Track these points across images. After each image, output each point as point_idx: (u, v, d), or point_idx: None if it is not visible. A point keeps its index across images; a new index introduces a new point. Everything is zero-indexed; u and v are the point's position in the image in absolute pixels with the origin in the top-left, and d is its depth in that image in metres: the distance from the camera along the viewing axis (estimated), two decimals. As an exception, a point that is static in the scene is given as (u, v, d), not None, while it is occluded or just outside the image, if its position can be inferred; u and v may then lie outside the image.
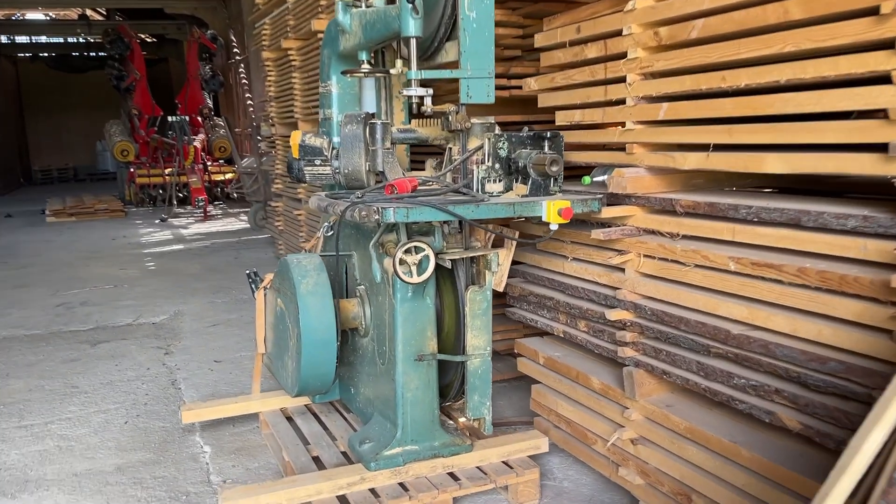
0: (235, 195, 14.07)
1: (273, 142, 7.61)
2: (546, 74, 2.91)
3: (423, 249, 2.47)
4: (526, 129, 2.60)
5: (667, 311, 2.33)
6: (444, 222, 2.62)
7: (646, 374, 2.50)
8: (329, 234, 3.27)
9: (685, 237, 2.33)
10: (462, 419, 2.90)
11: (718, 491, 2.20)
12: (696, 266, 2.24)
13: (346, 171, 2.80)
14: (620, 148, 2.55)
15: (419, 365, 2.69)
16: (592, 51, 2.61)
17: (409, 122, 3.21)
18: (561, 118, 2.83)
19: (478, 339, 2.74)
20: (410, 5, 2.43)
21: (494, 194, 2.54)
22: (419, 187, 2.53)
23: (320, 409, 3.39)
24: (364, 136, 2.77)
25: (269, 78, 7.31)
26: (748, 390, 2.08)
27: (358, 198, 2.46)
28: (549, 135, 2.49)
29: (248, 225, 10.99)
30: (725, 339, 2.12)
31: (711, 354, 2.19)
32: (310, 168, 2.84)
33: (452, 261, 2.69)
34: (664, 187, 2.49)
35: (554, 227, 2.36)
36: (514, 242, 2.70)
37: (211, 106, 15.91)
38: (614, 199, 2.54)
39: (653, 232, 2.45)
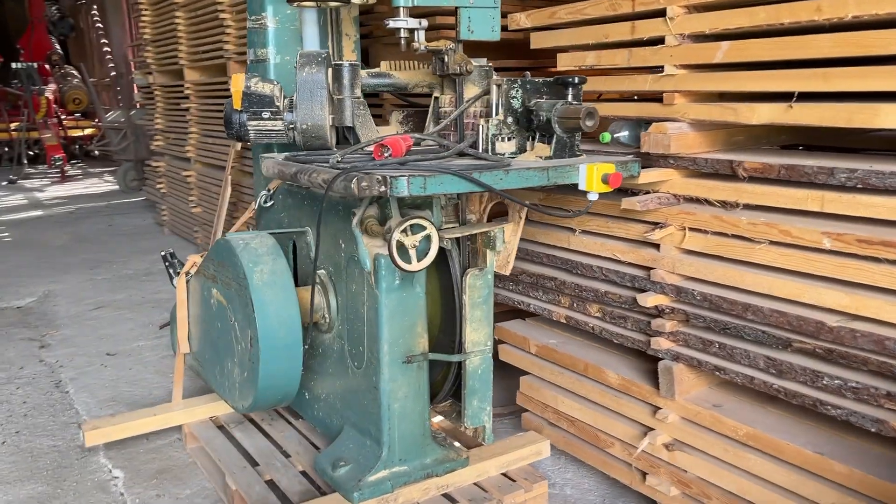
0: (97, 153, 12.66)
1: (151, 92, 6.65)
2: (543, 9, 2.40)
3: (424, 227, 1.93)
4: (528, 74, 2.10)
5: (725, 295, 1.93)
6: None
7: (686, 368, 2.11)
8: (268, 204, 2.65)
9: (747, 207, 1.92)
10: (447, 425, 2.40)
11: (792, 508, 1.85)
12: (772, 243, 1.84)
13: (305, 126, 2.19)
14: (653, 98, 2.10)
15: (408, 369, 2.17)
16: (615, -23, 2.12)
17: (361, 65, 2.63)
18: (566, 62, 2.34)
19: (477, 334, 2.25)
20: None
21: (507, 156, 2.03)
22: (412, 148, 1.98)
23: (260, 417, 2.80)
24: (326, 83, 2.17)
25: (143, 19, 6.33)
26: (845, 393, 1.72)
27: (339, 162, 1.88)
28: (575, 80, 2.00)
29: (118, 187, 9.82)
30: (815, 333, 1.75)
31: (791, 349, 1.82)
32: (255, 122, 2.21)
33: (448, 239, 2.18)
34: (708, 146, 2.07)
35: (593, 196, 1.89)
36: (523, 216, 2.22)
37: (60, 52, 14.17)
38: (646, 161, 2.10)
39: (698, 200, 2.03)
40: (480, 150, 2.01)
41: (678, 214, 2.05)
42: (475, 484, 2.33)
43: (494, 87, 2.03)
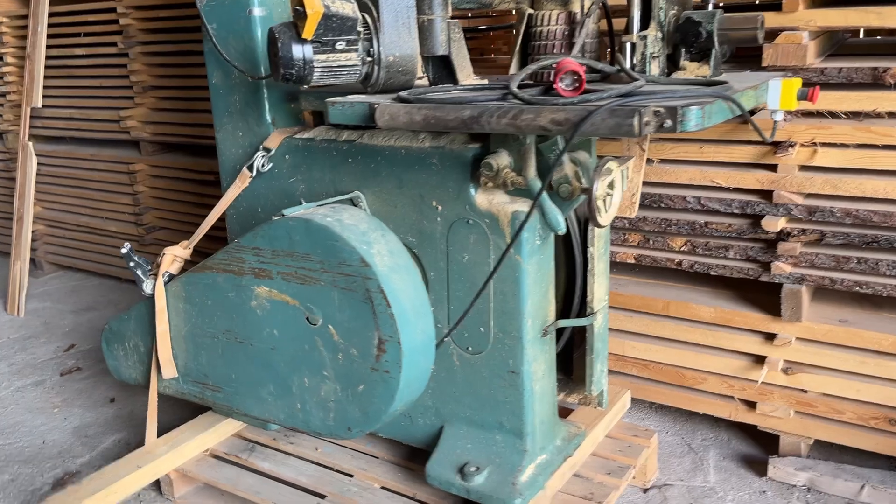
0: None
1: None
2: None
3: (612, 171, 1.58)
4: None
5: (874, 209, 1.89)
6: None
7: (806, 290, 2.05)
8: (266, 168, 2.03)
9: (891, 115, 1.87)
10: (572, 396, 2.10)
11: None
12: (931, 150, 1.82)
13: (391, 57, 1.67)
14: (765, 5, 1.94)
15: (543, 342, 1.83)
16: None
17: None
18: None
19: (602, 289, 1.96)
20: None
21: (660, 78, 1.73)
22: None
23: (272, 437, 2.23)
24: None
25: None
26: None
27: (520, 97, 1.43)
28: (718, -13, 1.75)
29: None
30: None
31: (957, 254, 1.83)
32: (324, 57, 1.62)
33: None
34: (817, 55, 1.97)
35: (779, 117, 1.69)
36: (646, 149, 1.94)
37: None
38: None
39: (822, 114, 1.94)
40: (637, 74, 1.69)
41: (806, 130, 1.94)
42: (594, 455, 2.09)
43: (636, -2, 1.71)
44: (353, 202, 1.91)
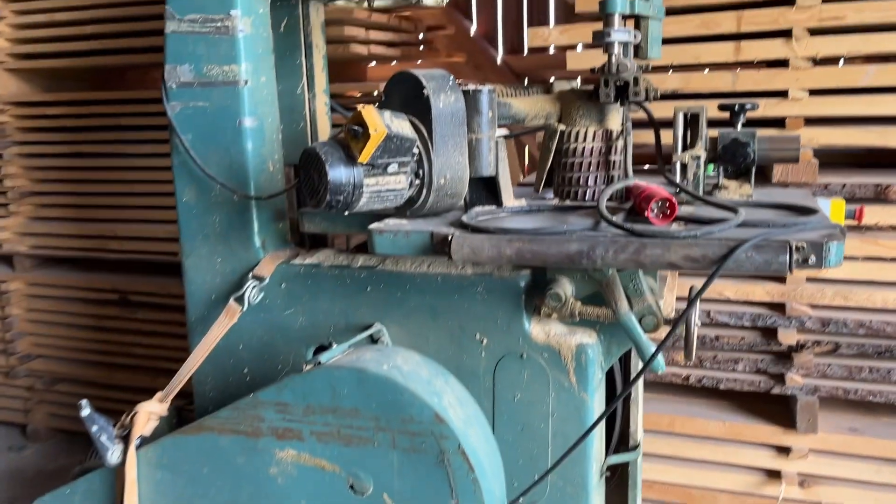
0: None
1: None
2: (583, 24, 2.06)
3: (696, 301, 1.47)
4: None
5: (888, 319, 1.93)
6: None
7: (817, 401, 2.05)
8: (258, 300, 1.73)
9: (893, 228, 1.94)
10: None
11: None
12: (937, 262, 1.89)
13: (442, 180, 1.48)
14: (767, 122, 1.97)
15: (600, 485, 1.65)
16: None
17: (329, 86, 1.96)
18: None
19: (640, 417, 1.83)
20: None
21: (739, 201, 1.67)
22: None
23: None
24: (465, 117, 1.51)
25: None
26: None
27: (625, 228, 1.30)
28: (746, 106, 1.75)
29: None
30: None
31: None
32: (375, 180, 1.39)
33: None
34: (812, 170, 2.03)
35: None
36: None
37: None
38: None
39: (827, 227, 1.98)
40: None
41: (814, 244, 1.96)
42: None
43: (681, 115, 1.65)
44: (373, 337, 1.66)
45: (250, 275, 1.73)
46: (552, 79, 1.91)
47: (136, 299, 2.85)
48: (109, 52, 2.76)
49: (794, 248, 1.18)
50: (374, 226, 1.47)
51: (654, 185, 1.44)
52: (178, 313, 2.77)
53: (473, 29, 3.68)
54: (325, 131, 1.93)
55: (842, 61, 1.97)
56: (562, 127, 1.72)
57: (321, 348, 1.71)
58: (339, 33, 2.48)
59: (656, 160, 1.75)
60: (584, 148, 1.70)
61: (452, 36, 3.36)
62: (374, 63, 3.16)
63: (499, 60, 3.74)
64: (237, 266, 1.78)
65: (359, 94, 2.66)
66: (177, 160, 1.78)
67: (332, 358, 1.46)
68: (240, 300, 1.72)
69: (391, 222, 1.51)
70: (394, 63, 3.16)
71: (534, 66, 3.75)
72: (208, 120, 1.72)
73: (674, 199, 1.36)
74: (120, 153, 2.81)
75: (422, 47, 3.22)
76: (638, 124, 1.82)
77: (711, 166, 1.82)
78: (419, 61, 3.35)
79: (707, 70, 1.99)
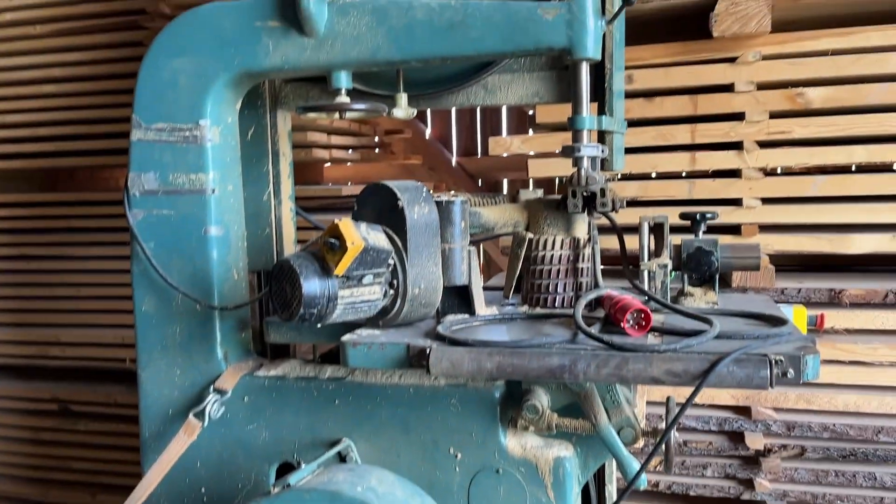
0: None
1: None
2: (545, 134, 2.13)
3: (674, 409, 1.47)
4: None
5: (850, 422, 1.95)
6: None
7: (786, 504, 2.04)
8: (219, 414, 1.65)
9: (850, 332, 2.00)
10: None
11: None
12: (891, 364, 1.94)
13: (416, 289, 1.46)
14: (722, 229, 2.04)
15: None
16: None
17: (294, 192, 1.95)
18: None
19: (615, 530, 1.77)
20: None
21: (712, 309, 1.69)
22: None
23: None
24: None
25: None
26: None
27: (605, 341, 1.29)
28: (708, 216, 1.80)
29: None
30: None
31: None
32: (350, 291, 1.36)
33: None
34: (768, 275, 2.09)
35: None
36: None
37: None
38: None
39: (785, 330, 2.02)
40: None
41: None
42: None
43: (646, 225, 1.69)
44: (341, 454, 1.59)
45: (212, 388, 1.67)
46: (505, 181, 1.94)
47: (77, 409, 2.70)
48: (62, 154, 2.71)
49: (773, 362, 1.19)
50: (346, 338, 1.44)
51: (627, 296, 1.45)
52: (124, 423, 2.63)
53: (429, 132, 3.78)
54: (290, 237, 1.91)
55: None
56: (530, 235, 1.74)
57: (285, 466, 1.64)
58: (302, 138, 2.50)
59: (620, 264, 1.78)
60: (552, 255, 1.71)
61: (409, 139, 3.43)
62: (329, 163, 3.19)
63: (453, 162, 3.83)
64: (197, 378, 1.70)
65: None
66: (137, 269, 1.72)
67: (301, 479, 1.39)
68: (200, 415, 1.64)
69: (364, 333, 1.47)
70: (349, 164, 3.20)
71: (486, 168, 3.85)
72: (172, 228, 1.69)
73: (648, 311, 1.37)
74: (68, 255, 2.72)
75: (379, 150, 3.27)
76: (601, 228, 1.86)
77: (673, 273, 1.86)
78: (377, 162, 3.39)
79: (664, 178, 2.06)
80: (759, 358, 1.19)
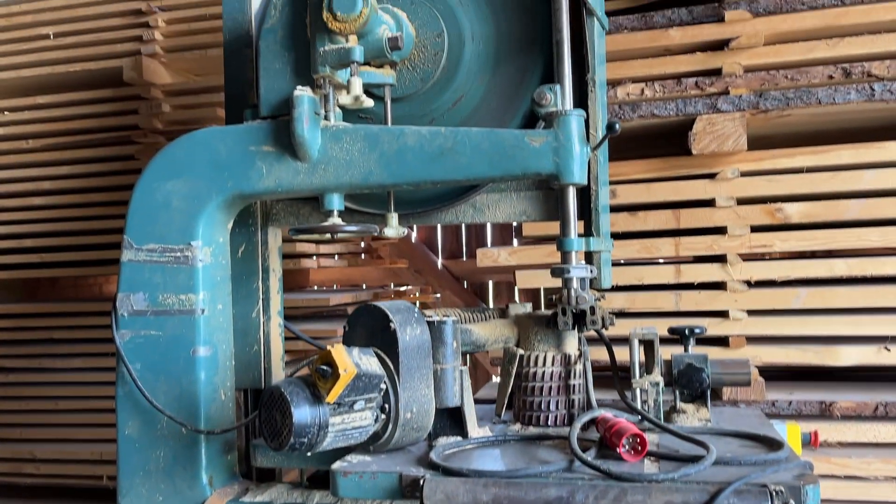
0: None
1: None
2: (533, 247, 2.16)
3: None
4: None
5: (849, 539, 1.91)
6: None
7: None
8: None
9: (843, 445, 1.98)
10: None
11: None
12: (888, 478, 1.92)
13: (409, 414, 1.44)
14: (709, 341, 2.05)
15: None
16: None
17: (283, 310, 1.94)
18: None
19: None
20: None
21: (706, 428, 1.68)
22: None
23: None
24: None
25: None
26: None
27: (603, 470, 1.27)
28: (696, 330, 1.81)
29: None
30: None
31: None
32: (341, 418, 1.34)
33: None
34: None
35: (784, 460, 1.69)
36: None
37: None
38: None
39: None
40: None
41: (768, 461, 1.98)
42: None
43: (638, 341, 1.70)
44: (330, 590, 1.53)
45: (198, 512, 1.61)
46: (490, 283, 1.95)
47: (50, 530, 2.59)
48: (46, 266, 2.70)
49: (773, 493, 1.17)
50: (337, 466, 1.40)
51: (622, 419, 1.44)
52: (99, 547, 2.52)
53: (415, 236, 3.82)
54: (277, 353, 1.88)
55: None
56: (520, 351, 1.73)
57: None
58: (291, 249, 2.51)
59: (610, 370, 1.78)
60: (543, 372, 1.71)
61: (395, 243, 3.46)
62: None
63: (439, 265, 3.85)
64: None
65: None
66: (122, 391, 1.69)
67: None
68: (182, 546, 1.57)
69: (355, 460, 1.44)
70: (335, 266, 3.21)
71: (472, 271, 3.88)
72: (160, 349, 1.66)
73: (644, 436, 1.36)
74: (46, 368, 2.66)
75: (366, 255, 3.29)
76: (590, 339, 1.86)
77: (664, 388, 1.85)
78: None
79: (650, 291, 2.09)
80: (759, 489, 1.17)
